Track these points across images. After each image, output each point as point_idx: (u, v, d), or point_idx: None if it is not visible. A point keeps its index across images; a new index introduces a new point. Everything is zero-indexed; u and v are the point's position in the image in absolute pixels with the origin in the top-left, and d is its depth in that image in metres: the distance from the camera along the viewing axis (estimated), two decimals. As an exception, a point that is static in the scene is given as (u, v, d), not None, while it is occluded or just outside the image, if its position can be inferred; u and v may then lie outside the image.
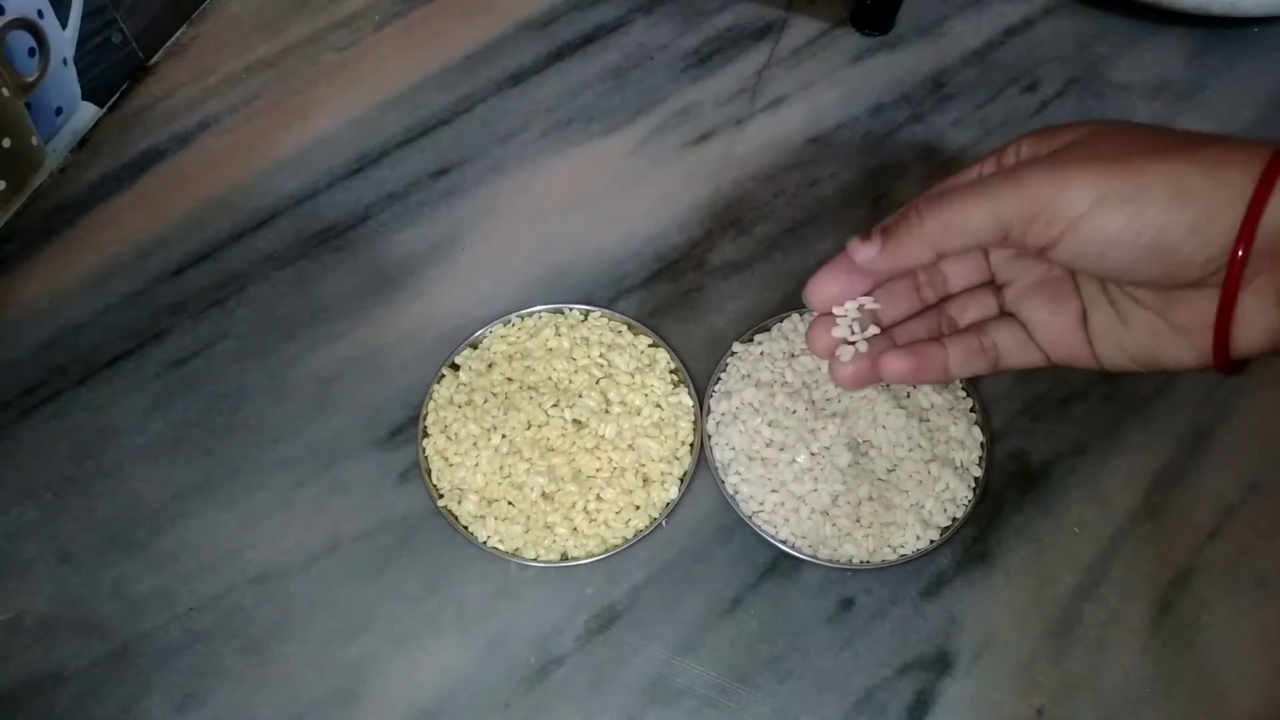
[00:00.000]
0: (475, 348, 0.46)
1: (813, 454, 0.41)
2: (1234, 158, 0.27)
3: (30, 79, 0.50)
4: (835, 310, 0.34)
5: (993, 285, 0.36)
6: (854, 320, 0.34)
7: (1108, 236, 0.28)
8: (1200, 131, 0.30)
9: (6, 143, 0.50)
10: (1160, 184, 0.28)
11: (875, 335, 0.35)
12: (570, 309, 0.47)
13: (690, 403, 0.44)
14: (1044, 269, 0.34)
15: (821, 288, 0.34)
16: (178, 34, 0.60)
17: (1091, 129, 0.31)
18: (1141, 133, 0.30)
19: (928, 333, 0.36)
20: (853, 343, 0.35)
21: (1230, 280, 0.28)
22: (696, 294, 0.48)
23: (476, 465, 0.42)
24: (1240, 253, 0.27)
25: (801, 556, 0.40)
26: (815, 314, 0.35)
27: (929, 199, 0.31)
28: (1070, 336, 0.33)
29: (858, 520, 0.40)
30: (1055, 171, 0.29)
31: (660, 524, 0.41)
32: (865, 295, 0.35)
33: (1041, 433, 0.43)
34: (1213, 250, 0.28)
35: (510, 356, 0.45)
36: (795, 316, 0.46)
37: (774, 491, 0.41)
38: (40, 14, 0.49)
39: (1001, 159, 0.33)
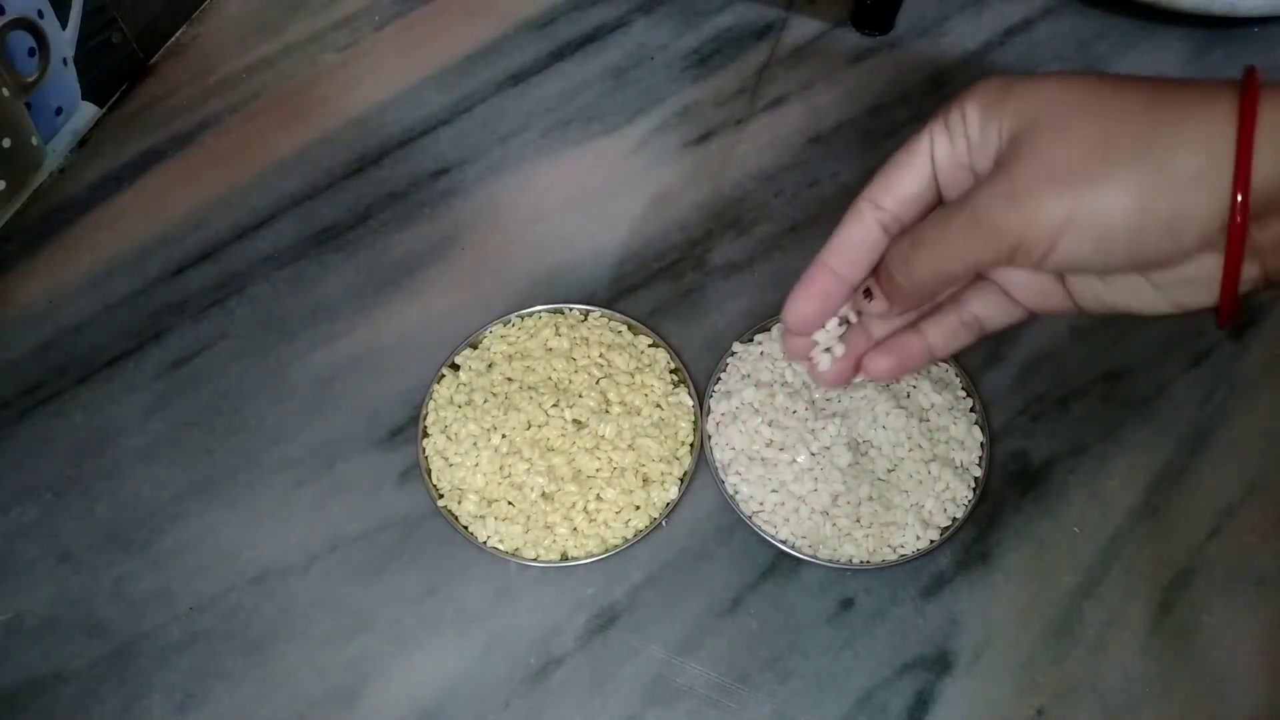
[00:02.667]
0: (475, 348, 0.46)
1: (813, 454, 0.41)
2: (1198, 118, 0.26)
3: (30, 79, 0.50)
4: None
5: None
6: (834, 332, 0.35)
7: (1085, 253, 0.28)
8: (1164, 83, 0.28)
9: (6, 143, 0.50)
10: (1124, 188, 0.27)
11: (851, 329, 0.35)
12: (570, 309, 0.47)
13: (690, 403, 0.44)
14: None
15: (803, 309, 0.34)
16: (178, 34, 0.60)
17: (1043, 101, 0.29)
18: (1100, 106, 0.28)
19: (905, 318, 0.35)
20: (828, 349, 0.35)
21: (1231, 258, 0.27)
22: (696, 294, 0.48)
23: (476, 465, 0.42)
24: (1239, 219, 0.26)
25: (801, 556, 0.40)
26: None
27: (903, 254, 0.31)
28: (1051, 291, 0.32)
29: (858, 520, 0.40)
30: (1016, 204, 0.28)
31: (660, 524, 0.41)
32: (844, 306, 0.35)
33: (1041, 433, 0.43)
34: (1190, 239, 0.27)
35: (510, 356, 0.45)
36: (795, 316, 0.46)
37: (774, 491, 0.41)
38: (40, 14, 0.49)
39: (950, 125, 0.31)
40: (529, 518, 0.41)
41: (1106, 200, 0.27)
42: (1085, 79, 0.29)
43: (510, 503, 0.41)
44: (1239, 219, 0.26)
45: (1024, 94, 0.29)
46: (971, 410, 0.43)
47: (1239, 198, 0.26)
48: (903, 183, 0.31)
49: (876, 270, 0.33)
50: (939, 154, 0.31)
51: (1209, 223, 0.27)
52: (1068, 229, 0.28)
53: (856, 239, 0.32)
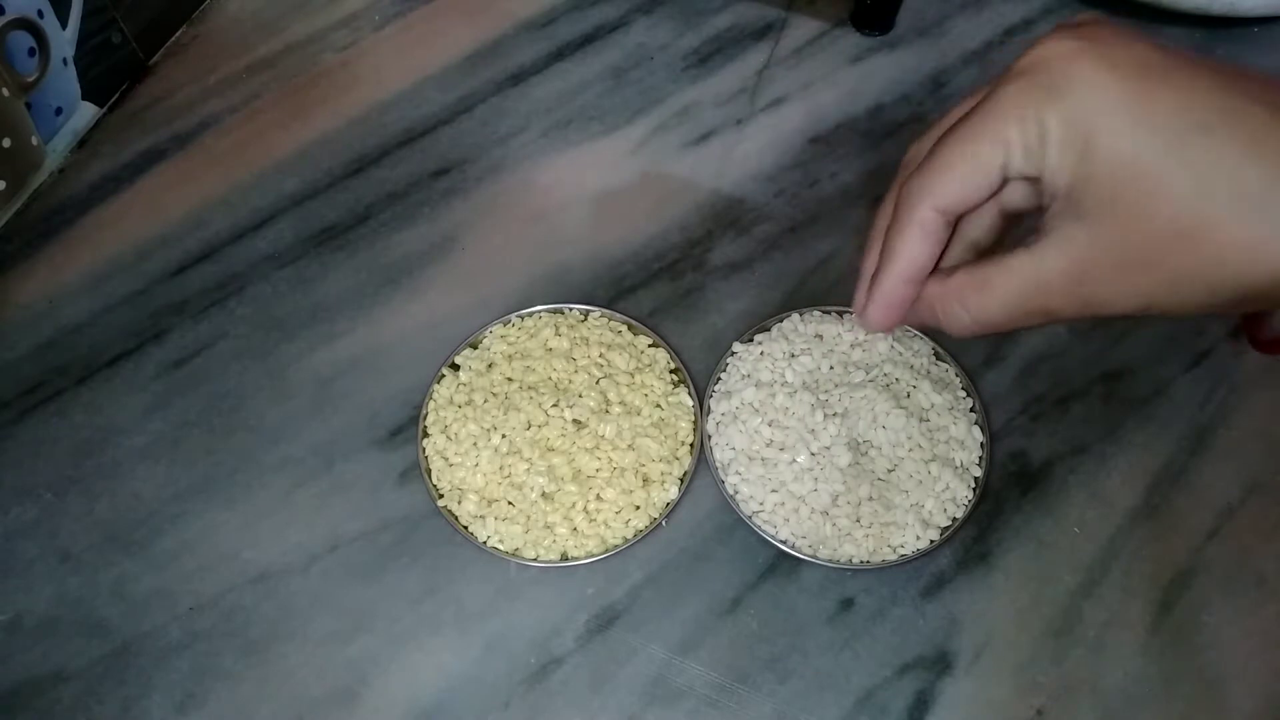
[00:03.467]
0: (475, 348, 0.46)
1: (813, 454, 0.41)
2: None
3: (30, 79, 0.50)
4: None
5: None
6: None
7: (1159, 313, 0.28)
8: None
9: (6, 143, 0.50)
10: (1196, 289, 0.26)
11: None
12: (570, 309, 0.47)
13: (690, 403, 0.44)
14: None
15: (887, 319, 0.32)
16: (178, 34, 0.60)
17: (1135, 164, 0.26)
18: (1188, 175, 0.25)
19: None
20: None
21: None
22: (696, 294, 0.48)
23: (476, 465, 0.42)
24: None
25: (801, 556, 0.40)
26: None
27: (960, 305, 0.30)
28: None
29: (858, 520, 0.40)
30: (1086, 295, 0.28)
31: (660, 524, 0.41)
32: None
33: (1041, 433, 0.43)
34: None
35: (510, 356, 0.45)
36: (795, 316, 0.46)
37: (774, 491, 0.41)
38: (40, 14, 0.49)
39: (1026, 141, 0.27)
40: (529, 518, 0.41)
41: (1182, 298, 0.27)
42: (1186, 123, 0.26)
43: (510, 503, 0.41)
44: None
45: (1113, 144, 0.26)
46: (971, 410, 0.43)
47: None
48: (971, 192, 0.29)
49: (922, 299, 0.31)
50: (1013, 167, 0.28)
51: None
52: (1142, 313, 0.27)
53: (925, 249, 0.30)
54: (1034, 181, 0.28)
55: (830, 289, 0.48)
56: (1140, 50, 0.26)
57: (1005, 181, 0.29)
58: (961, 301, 0.30)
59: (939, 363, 0.45)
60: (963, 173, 0.28)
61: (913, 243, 0.30)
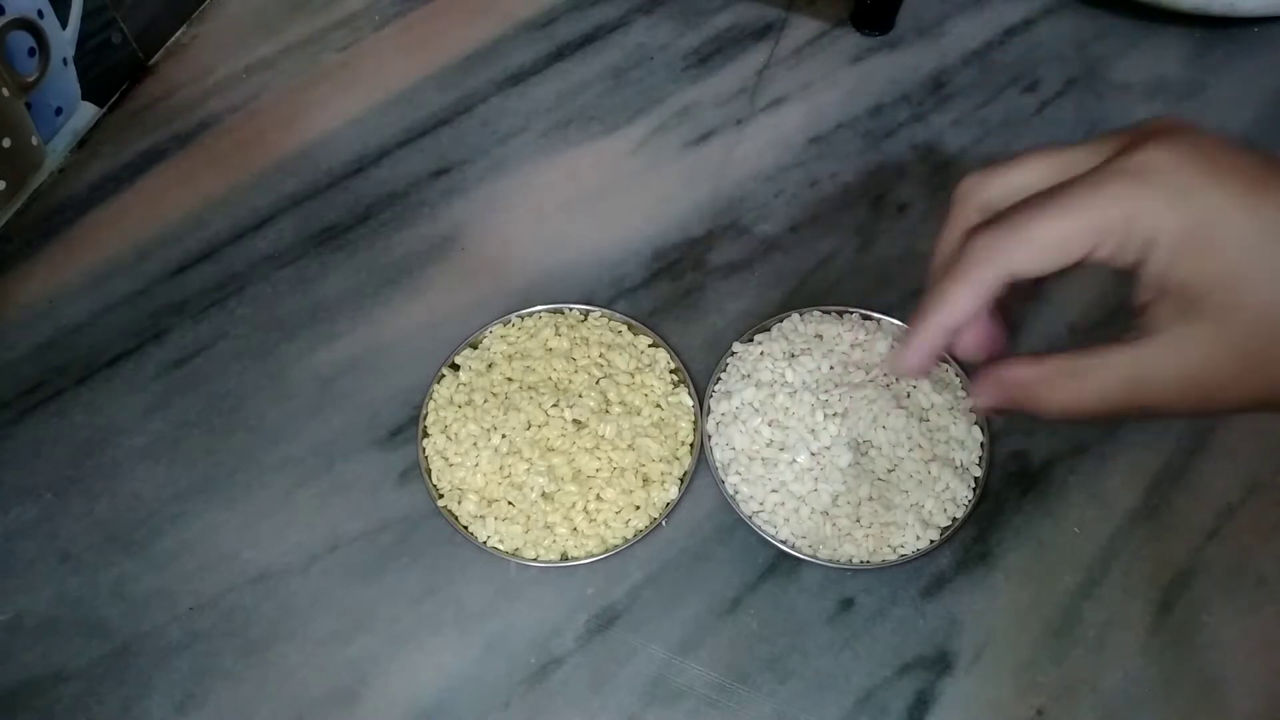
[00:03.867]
0: (475, 348, 0.46)
1: (813, 454, 0.41)
2: None
3: (30, 79, 0.50)
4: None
5: None
6: None
7: None
8: None
9: (6, 143, 0.50)
10: None
11: None
12: (570, 309, 0.47)
13: (690, 403, 0.44)
14: None
15: (920, 365, 0.31)
16: (178, 34, 0.60)
17: (1247, 289, 0.26)
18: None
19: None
20: None
21: None
22: (696, 294, 0.48)
23: (476, 465, 0.42)
24: None
25: (801, 556, 0.40)
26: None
27: (1050, 389, 0.30)
28: None
29: (858, 520, 0.40)
30: (1201, 395, 0.28)
31: (660, 524, 0.41)
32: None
33: (1041, 433, 0.43)
34: None
35: (510, 356, 0.45)
36: (795, 316, 0.46)
37: (774, 491, 0.41)
38: (40, 14, 0.49)
39: (1126, 242, 0.27)
40: (529, 518, 0.41)
41: None
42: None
43: (510, 503, 0.41)
44: None
45: (1237, 249, 0.26)
46: (971, 410, 0.43)
47: None
48: (1046, 267, 0.28)
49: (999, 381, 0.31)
50: (1100, 256, 0.28)
51: None
52: (1251, 411, 0.27)
53: (976, 305, 0.30)
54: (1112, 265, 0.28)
55: (830, 289, 0.48)
56: (1243, 159, 0.27)
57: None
58: (1055, 389, 0.29)
59: (938, 363, 0.45)
60: (1045, 251, 0.28)
61: (967, 297, 0.29)
